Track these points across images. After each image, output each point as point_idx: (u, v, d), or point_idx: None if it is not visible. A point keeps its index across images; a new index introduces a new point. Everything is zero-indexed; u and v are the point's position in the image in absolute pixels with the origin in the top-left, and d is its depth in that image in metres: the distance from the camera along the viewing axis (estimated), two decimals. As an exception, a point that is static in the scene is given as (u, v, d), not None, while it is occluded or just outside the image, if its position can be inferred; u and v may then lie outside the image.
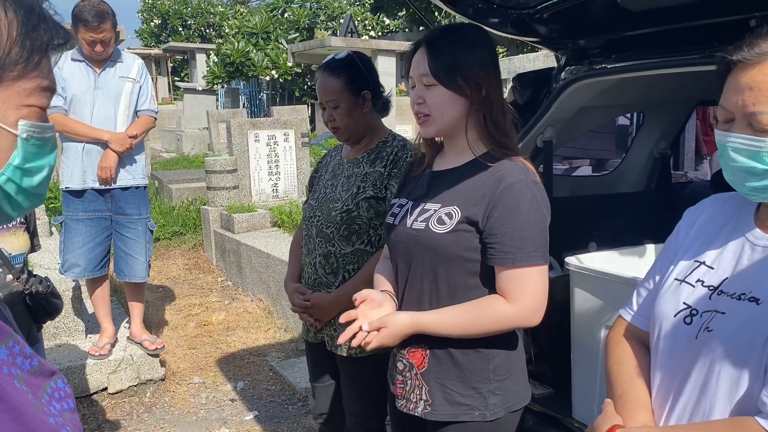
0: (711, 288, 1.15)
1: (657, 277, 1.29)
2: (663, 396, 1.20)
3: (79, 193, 3.62)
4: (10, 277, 2.25)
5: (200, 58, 21.27)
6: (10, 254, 2.32)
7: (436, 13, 13.57)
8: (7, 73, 0.72)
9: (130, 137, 3.60)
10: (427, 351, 1.57)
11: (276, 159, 6.75)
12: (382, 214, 2.03)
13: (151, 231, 3.86)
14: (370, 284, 1.77)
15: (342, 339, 1.54)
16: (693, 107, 3.61)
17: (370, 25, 20.09)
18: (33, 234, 2.51)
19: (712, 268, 1.18)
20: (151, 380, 3.79)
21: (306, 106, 14.85)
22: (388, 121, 2.24)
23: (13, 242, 2.37)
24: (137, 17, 31.73)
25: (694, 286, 1.18)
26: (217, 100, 18.07)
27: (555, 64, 2.78)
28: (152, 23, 30.64)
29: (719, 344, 1.08)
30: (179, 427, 3.39)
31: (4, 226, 2.29)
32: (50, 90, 0.77)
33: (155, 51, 25.87)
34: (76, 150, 3.56)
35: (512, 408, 1.57)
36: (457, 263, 1.51)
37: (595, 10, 2.38)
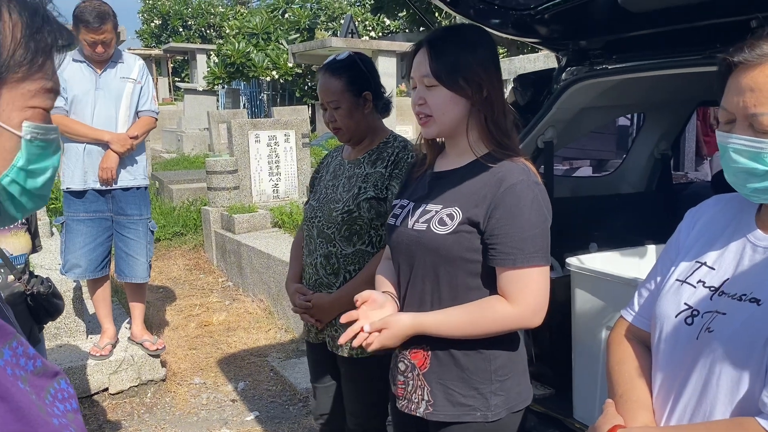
0: (712, 289, 1.16)
1: (658, 278, 1.29)
2: (664, 396, 1.20)
3: (80, 194, 3.62)
4: (11, 277, 2.26)
5: (201, 58, 21.28)
6: (12, 255, 2.33)
7: (437, 14, 13.58)
8: (11, 75, 0.72)
9: (131, 138, 3.60)
10: (429, 352, 1.57)
11: (276, 159, 6.75)
12: (383, 215, 2.03)
13: (152, 231, 3.86)
14: (371, 285, 1.77)
15: (343, 339, 1.54)
16: (693, 108, 3.62)
17: (370, 25, 20.10)
18: (34, 235, 2.51)
19: (714, 269, 1.18)
20: (151, 381, 3.80)
21: (306, 106, 14.86)
22: (388, 122, 2.25)
23: (15, 243, 2.37)
24: (138, 18, 31.77)
25: (695, 287, 1.18)
26: (217, 100, 18.08)
27: (556, 65, 2.79)
28: (153, 24, 30.65)
29: (720, 345, 1.08)
30: (180, 427, 3.39)
31: (6, 227, 2.29)
32: (54, 91, 0.77)
33: (156, 51, 25.88)
34: (77, 151, 3.56)
35: (514, 408, 1.57)
36: (459, 264, 1.51)
37: (595, 11, 2.38)
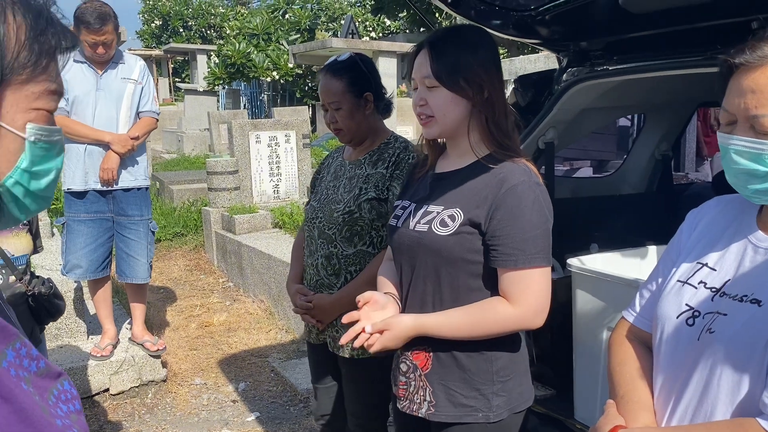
0: (713, 290, 1.16)
1: (660, 279, 1.30)
2: (665, 397, 1.20)
3: (80, 195, 3.62)
4: (12, 278, 2.26)
5: (201, 59, 21.30)
6: (13, 255, 2.33)
7: (437, 14, 13.58)
8: (15, 77, 0.72)
9: (131, 138, 3.60)
10: (431, 353, 1.57)
11: (277, 160, 6.76)
12: (384, 216, 2.03)
13: (153, 232, 3.86)
14: (372, 285, 1.77)
15: (344, 339, 1.54)
16: (694, 109, 3.62)
17: (371, 26, 20.11)
18: (35, 235, 2.52)
19: (715, 270, 1.18)
20: (152, 381, 3.80)
21: (307, 107, 14.87)
22: (389, 122, 2.25)
23: (16, 243, 2.38)
24: (138, 18, 31.75)
25: (696, 288, 1.18)
26: (218, 101, 18.08)
27: (556, 66, 2.79)
28: (153, 24, 30.65)
29: (721, 346, 1.09)
30: (181, 428, 3.39)
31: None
32: (58, 93, 0.77)
33: (156, 52, 25.89)
34: (78, 151, 3.56)
35: (516, 409, 1.57)
36: (460, 265, 1.51)
37: (596, 12, 2.38)
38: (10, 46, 0.71)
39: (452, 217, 1.51)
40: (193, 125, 15.25)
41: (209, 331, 4.69)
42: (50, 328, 3.66)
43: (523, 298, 1.46)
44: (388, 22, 19.82)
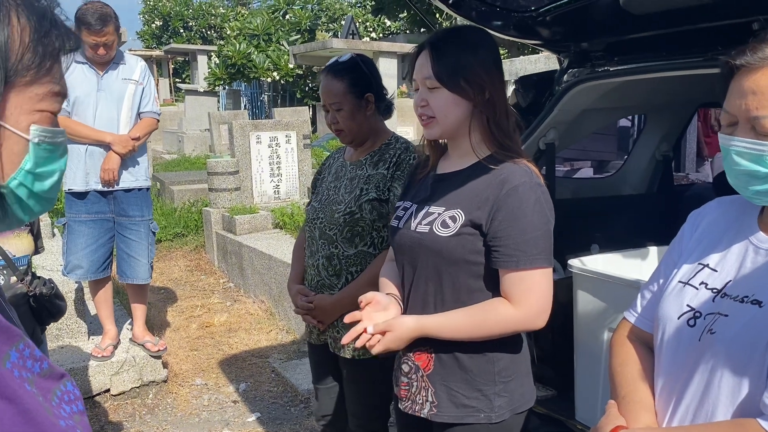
0: (714, 291, 1.16)
1: (661, 280, 1.30)
2: (666, 398, 1.20)
3: (81, 195, 3.62)
4: (14, 278, 2.26)
5: (201, 59, 21.32)
6: (14, 256, 2.33)
7: (438, 15, 13.58)
8: (19, 79, 0.72)
9: (132, 139, 3.61)
10: (433, 353, 1.57)
11: (278, 160, 6.76)
12: (384, 216, 2.04)
13: (154, 233, 3.86)
14: (373, 286, 1.77)
15: (346, 339, 1.54)
16: (695, 109, 3.62)
17: (371, 26, 20.11)
18: (37, 236, 2.52)
19: (716, 271, 1.18)
20: (153, 382, 3.80)
21: (307, 107, 14.87)
22: (389, 123, 2.25)
23: (17, 244, 2.38)
24: (138, 19, 31.78)
25: (697, 289, 1.19)
26: (218, 101, 18.10)
27: (556, 66, 2.79)
28: (153, 25, 30.66)
29: (722, 347, 1.09)
30: (182, 428, 3.40)
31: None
32: (61, 95, 0.78)
33: (156, 52, 25.89)
34: (79, 152, 3.56)
35: (517, 410, 1.57)
36: (462, 266, 1.51)
37: (597, 13, 2.39)
38: (14, 48, 0.71)
39: (453, 218, 1.51)
40: (193, 126, 15.26)
41: (210, 332, 4.69)
42: (51, 329, 3.66)
43: (525, 299, 1.46)
44: (388, 23, 19.83)
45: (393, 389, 1.73)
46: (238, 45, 16.90)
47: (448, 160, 1.65)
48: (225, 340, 4.52)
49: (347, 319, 1.55)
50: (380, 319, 1.54)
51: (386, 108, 2.18)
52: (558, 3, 2.32)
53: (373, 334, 1.50)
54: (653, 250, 2.52)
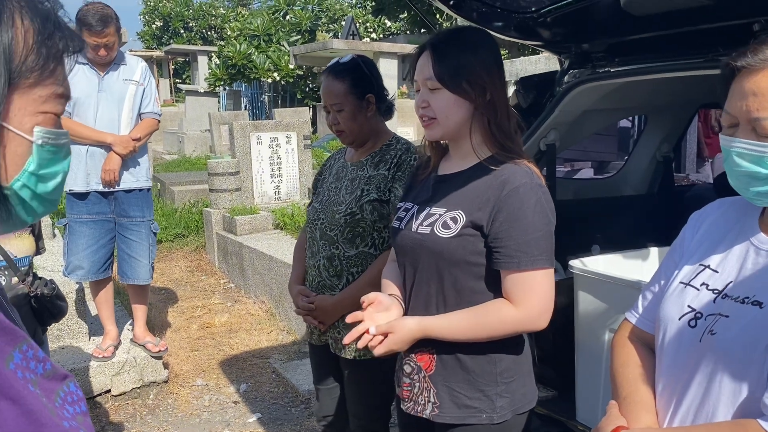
0: (716, 291, 1.16)
1: (662, 281, 1.30)
2: (667, 398, 1.20)
3: (82, 196, 3.62)
4: (15, 279, 2.27)
5: (202, 60, 21.32)
6: (16, 257, 2.33)
7: (438, 16, 13.58)
8: (23, 81, 0.73)
9: (133, 140, 3.61)
10: (435, 354, 1.57)
11: (278, 161, 6.77)
12: (385, 217, 2.04)
13: (155, 233, 3.86)
14: (373, 287, 1.77)
15: (348, 339, 1.54)
16: (695, 110, 3.62)
17: (371, 27, 20.12)
18: (38, 237, 2.52)
19: (717, 272, 1.18)
20: (154, 382, 3.80)
21: (308, 108, 14.88)
22: (389, 124, 2.26)
23: (19, 245, 2.38)
24: (139, 19, 31.78)
25: (698, 290, 1.19)
26: (218, 102, 18.10)
27: (557, 67, 2.79)
28: (154, 25, 30.67)
29: (722, 347, 1.09)
30: (182, 429, 3.40)
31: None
32: (65, 97, 0.78)
33: (157, 53, 25.90)
34: (80, 153, 3.56)
35: (519, 410, 1.57)
36: (463, 267, 1.52)
37: (598, 14, 2.39)
38: (18, 50, 0.71)
39: (454, 220, 1.51)
40: (194, 126, 15.26)
41: (210, 332, 4.69)
42: (52, 329, 3.66)
43: (527, 300, 1.46)
44: (388, 24, 19.83)
45: (394, 389, 1.73)
46: (238, 45, 16.90)
47: (449, 161, 1.65)
48: (226, 341, 4.53)
49: (349, 319, 1.55)
50: (382, 319, 1.54)
51: (387, 109, 2.18)
52: (559, 4, 2.32)
53: (375, 335, 1.50)
54: (654, 251, 2.52)
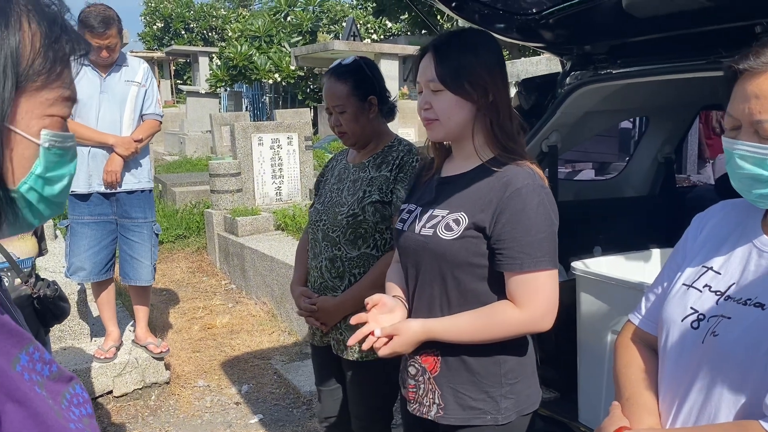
0: (718, 293, 1.16)
1: (665, 283, 1.30)
2: (670, 400, 1.21)
3: (84, 197, 3.63)
4: (18, 280, 2.27)
5: (203, 61, 21.33)
6: (19, 258, 2.34)
7: (439, 17, 13.59)
8: (30, 84, 0.73)
9: (135, 141, 3.62)
10: (439, 356, 1.57)
11: (279, 162, 6.77)
12: (387, 219, 2.04)
13: (156, 234, 3.87)
14: (376, 288, 1.77)
15: (352, 341, 1.55)
16: (697, 112, 3.62)
17: (372, 28, 20.14)
18: (41, 238, 2.53)
19: (720, 274, 1.19)
20: (155, 383, 3.80)
21: (309, 109, 14.90)
22: (390, 124, 2.26)
23: (22, 246, 2.38)
24: (140, 20, 31.82)
25: (701, 291, 1.19)
26: (219, 103, 18.12)
27: (558, 68, 2.79)
28: (155, 26, 30.71)
29: (724, 349, 1.09)
30: (184, 430, 3.40)
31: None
32: (71, 100, 0.78)
33: (158, 54, 25.91)
34: (82, 154, 3.57)
35: (523, 411, 1.58)
36: (466, 269, 1.52)
37: (600, 16, 2.39)
38: (25, 54, 0.72)
39: (457, 221, 1.51)
40: (195, 127, 15.28)
41: (212, 333, 4.70)
42: (54, 331, 3.66)
43: (530, 302, 1.46)
44: (389, 25, 19.85)
45: (396, 391, 1.74)
46: (239, 47, 16.92)
47: (452, 162, 1.66)
48: (227, 342, 4.53)
49: (353, 320, 1.56)
50: (386, 321, 1.54)
51: (389, 110, 2.18)
52: (561, 6, 2.32)
53: (380, 338, 1.50)
54: (656, 252, 2.52)
